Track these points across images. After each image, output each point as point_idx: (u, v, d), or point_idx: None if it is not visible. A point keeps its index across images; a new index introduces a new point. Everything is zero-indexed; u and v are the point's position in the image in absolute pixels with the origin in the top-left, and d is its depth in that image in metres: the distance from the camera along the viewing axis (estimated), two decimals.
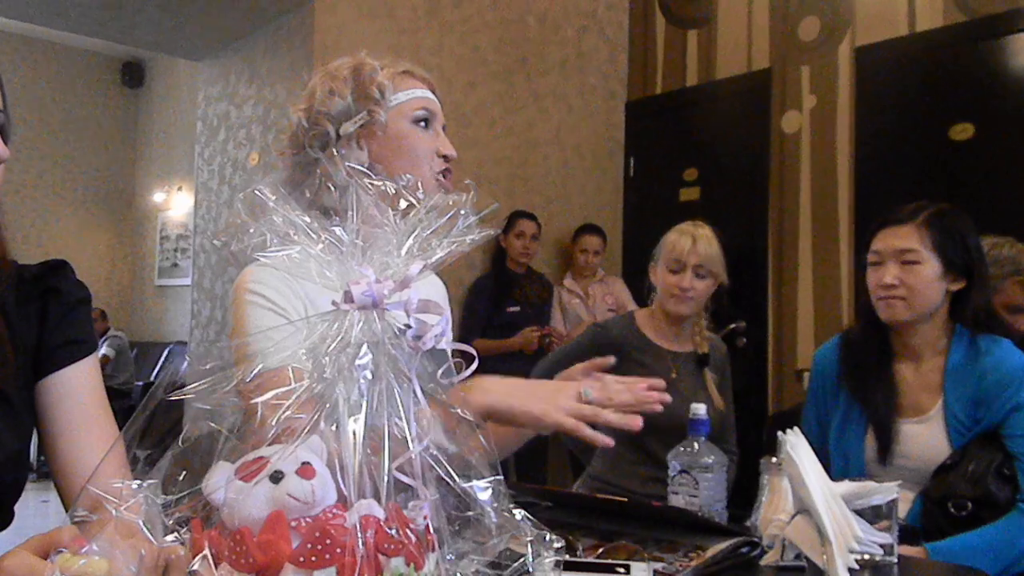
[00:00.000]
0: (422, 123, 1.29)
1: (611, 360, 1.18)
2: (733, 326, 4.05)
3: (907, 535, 1.32)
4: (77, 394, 0.98)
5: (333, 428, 0.58)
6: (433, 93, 1.34)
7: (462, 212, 0.67)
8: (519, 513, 0.63)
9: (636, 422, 0.99)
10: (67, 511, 0.95)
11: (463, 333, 3.68)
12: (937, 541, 1.44)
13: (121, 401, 6.34)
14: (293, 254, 0.64)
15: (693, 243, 2.03)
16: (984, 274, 1.66)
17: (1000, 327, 1.72)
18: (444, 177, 1.31)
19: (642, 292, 2.26)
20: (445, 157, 1.31)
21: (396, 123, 1.27)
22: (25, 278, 0.99)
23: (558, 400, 1.00)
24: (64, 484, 0.97)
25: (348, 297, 0.62)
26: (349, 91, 1.26)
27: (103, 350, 6.77)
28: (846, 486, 1.07)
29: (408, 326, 0.64)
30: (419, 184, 1.24)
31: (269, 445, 0.57)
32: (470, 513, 0.62)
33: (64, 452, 0.96)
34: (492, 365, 1.02)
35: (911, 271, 1.59)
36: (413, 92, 1.29)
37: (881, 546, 1.05)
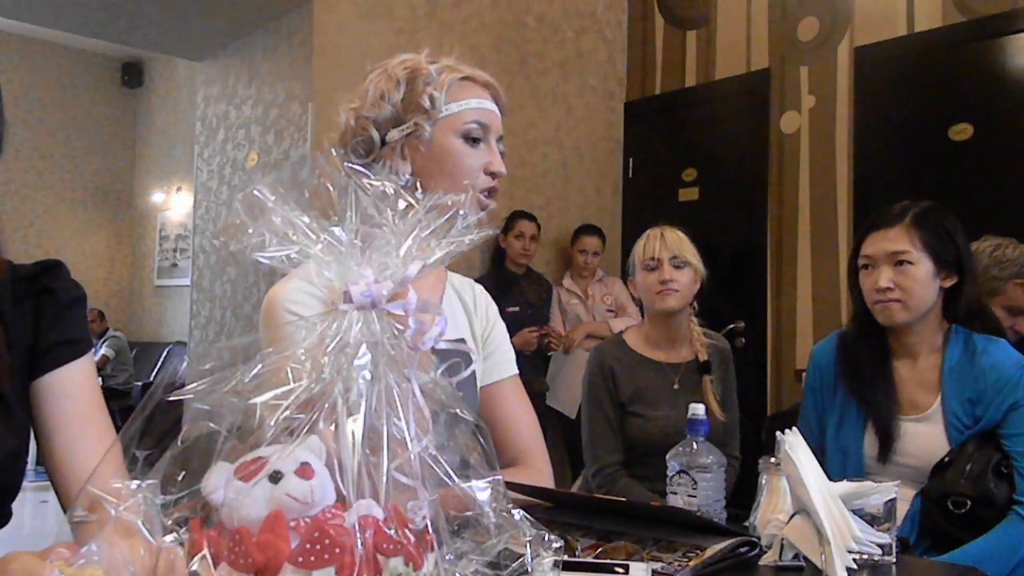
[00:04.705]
0: (472, 138, 1.20)
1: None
2: (732, 326, 4.06)
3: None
4: (72, 394, 0.98)
5: (332, 428, 0.58)
6: (496, 101, 1.24)
7: (461, 212, 0.67)
8: (518, 513, 0.63)
9: None
10: (63, 509, 0.95)
11: None
12: (935, 550, 1.44)
13: (120, 401, 6.35)
14: (292, 254, 0.64)
15: (661, 238, 2.09)
16: (973, 269, 1.67)
17: (991, 320, 1.73)
18: (488, 195, 1.22)
19: None
20: (493, 175, 1.21)
21: (443, 137, 1.18)
22: (20, 277, 0.99)
23: None
24: (59, 484, 0.96)
25: (347, 297, 0.62)
26: (400, 97, 1.17)
27: (102, 350, 6.77)
28: (844, 486, 1.07)
29: (407, 326, 0.64)
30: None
31: (268, 445, 0.57)
32: (469, 513, 0.62)
33: (59, 452, 0.96)
34: None
35: (905, 272, 1.60)
36: (468, 103, 1.20)
37: (880, 546, 1.05)
